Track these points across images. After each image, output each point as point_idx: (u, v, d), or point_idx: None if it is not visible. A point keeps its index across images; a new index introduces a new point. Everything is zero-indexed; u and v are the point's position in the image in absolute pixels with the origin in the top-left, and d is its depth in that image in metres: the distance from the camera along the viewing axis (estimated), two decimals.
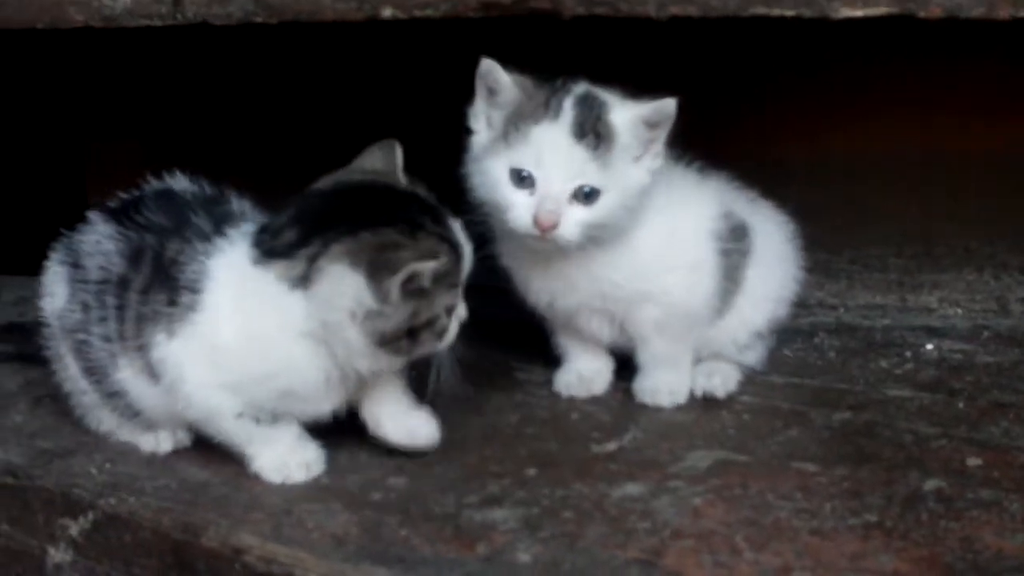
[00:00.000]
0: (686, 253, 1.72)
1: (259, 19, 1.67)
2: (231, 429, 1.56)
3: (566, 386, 1.83)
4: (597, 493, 1.54)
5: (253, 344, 1.48)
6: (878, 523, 1.45)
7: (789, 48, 2.00)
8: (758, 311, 1.81)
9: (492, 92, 1.64)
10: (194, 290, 1.49)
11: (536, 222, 1.60)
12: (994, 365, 1.88)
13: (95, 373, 1.61)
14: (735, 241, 1.76)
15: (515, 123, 1.62)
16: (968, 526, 1.43)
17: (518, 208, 1.61)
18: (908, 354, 1.95)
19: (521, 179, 1.61)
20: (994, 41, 1.88)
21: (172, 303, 1.50)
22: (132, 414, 1.62)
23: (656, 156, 1.65)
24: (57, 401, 1.75)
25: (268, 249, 1.48)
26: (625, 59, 1.90)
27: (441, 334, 1.50)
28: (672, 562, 1.39)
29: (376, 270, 1.41)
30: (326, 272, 1.43)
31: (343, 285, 1.42)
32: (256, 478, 1.59)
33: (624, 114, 1.63)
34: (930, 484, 1.52)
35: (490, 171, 1.63)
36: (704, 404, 1.79)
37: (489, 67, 1.63)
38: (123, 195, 1.65)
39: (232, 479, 1.60)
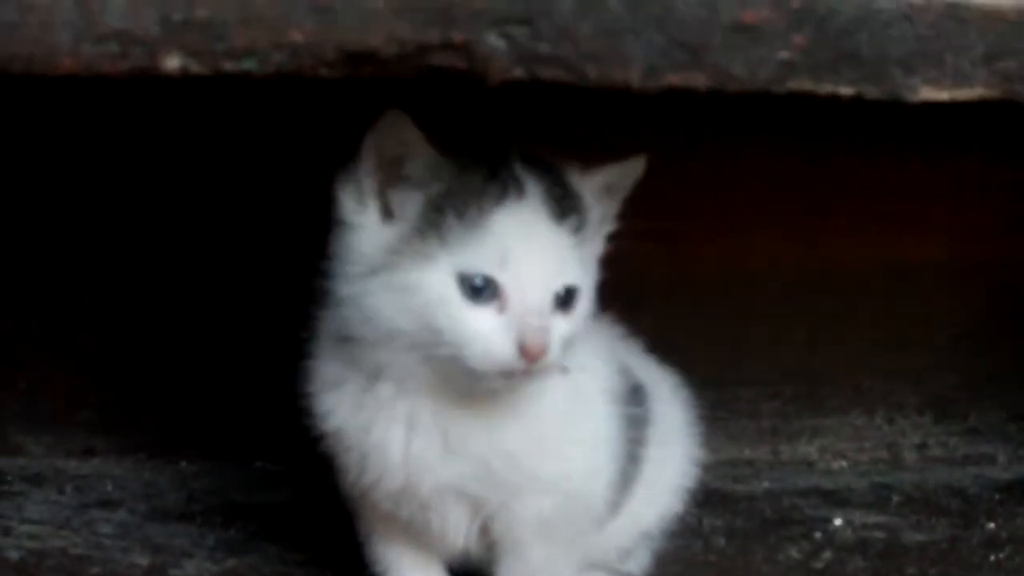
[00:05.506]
0: (590, 420, 1.19)
1: None
2: None
3: None
4: None
5: None
6: None
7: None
8: (653, 505, 1.31)
9: (397, 163, 1.08)
10: None
11: (523, 350, 1.04)
12: (930, 546, 1.46)
13: None
14: (635, 406, 1.25)
15: (453, 209, 1.07)
16: None
17: (492, 336, 1.05)
18: (817, 535, 1.49)
19: (475, 291, 1.06)
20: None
21: None
22: None
23: (605, 231, 1.18)
24: None
25: None
26: None
27: None
28: None
29: None
30: None
31: None
32: None
33: (589, 181, 1.14)
34: None
35: (420, 286, 1.06)
36: None
37: (396, 122, 1.06)
38: None
39: None
